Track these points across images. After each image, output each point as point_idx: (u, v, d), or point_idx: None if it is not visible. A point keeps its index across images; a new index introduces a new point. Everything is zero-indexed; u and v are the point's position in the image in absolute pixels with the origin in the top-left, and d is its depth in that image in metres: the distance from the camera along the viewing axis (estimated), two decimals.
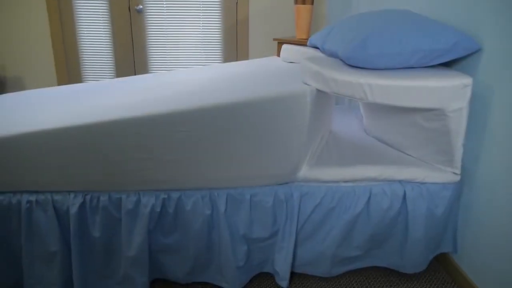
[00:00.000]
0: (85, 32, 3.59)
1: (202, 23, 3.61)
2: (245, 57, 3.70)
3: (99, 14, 3.56)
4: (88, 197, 1.52)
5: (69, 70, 3.66)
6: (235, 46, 3.66)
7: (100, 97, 1.81)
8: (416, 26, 1.59)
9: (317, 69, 1.52)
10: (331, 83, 1.49)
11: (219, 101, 1.45)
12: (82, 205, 1.52)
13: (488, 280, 1.55)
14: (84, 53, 3.65)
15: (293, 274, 1.76)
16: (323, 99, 1.69)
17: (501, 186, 1.48)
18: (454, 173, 1.64)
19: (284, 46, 2.22)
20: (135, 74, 3.67)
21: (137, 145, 1.47)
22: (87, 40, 3.61)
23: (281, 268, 1.62)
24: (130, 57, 3.67)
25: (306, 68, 1.59)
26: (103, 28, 3.59)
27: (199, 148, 1.49)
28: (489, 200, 1.54)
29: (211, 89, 1.66)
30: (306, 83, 1.57)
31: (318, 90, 1.56)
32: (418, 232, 1.63)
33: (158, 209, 1.53)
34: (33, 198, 1.52)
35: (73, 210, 1.51)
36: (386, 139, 1.89)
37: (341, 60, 1.69)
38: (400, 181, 1.64)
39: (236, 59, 3.72)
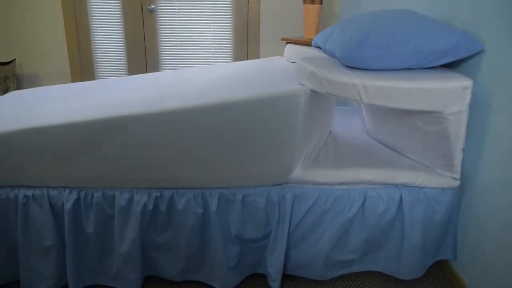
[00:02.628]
0: (99, 31, 3.65)
1: (213, 23, 3.62)
2: (256, 56, 3.69)
3: (112, 14, 3.61)
4: (82, 193, 1.54)
5: (82, 68, 3.73)
6: (245, 45, 3.66)
7: (100, 96, 1.83)
8: (416, 26, 1.55)
9: (312, 69, 1.50)
10: (325, 83, 1.47)
11: (210, 101, 1.45)
12: (77, 201, 1.54)
13: None
14: (98, 51, 3.71)
15: (286, 276, 1.74)
16: (320, 100, 1.67)
17: (503, 192, 1.43)
18: (454, 178, 1.59)
19: (288, 46, 2.20)
20: (147, 72, 3.71)
21: (131, 143, 1.48)
22: (100, 38, 3.67)
23: (273, 269, 1.61)
24: (142, 55, 3.71)
25: (301, 68, 1.57)
26: (116, 27, 3.64)
27: (190, 147, 1.49)
28: (490, 206, 1.49)
29: (206, 89, 1.66)
30: (301, 84, 1.55)
31: (315, 91, 1.54)
32: (415, 238, 1.59)
33: (151, 207, 1.54)
34: (29, 193, 1.55)
35: (68, 205, 1.53)
36: (387, 142, 1.86)
37: (338, 60, 1.66)
38: (396, 185, 1.60)
39: (247, 58, 3.71)
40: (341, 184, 1.60)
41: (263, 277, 1.74)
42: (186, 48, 3.69)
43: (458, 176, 1.58)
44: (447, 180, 1.59)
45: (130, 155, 1.50)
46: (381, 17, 1.65)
